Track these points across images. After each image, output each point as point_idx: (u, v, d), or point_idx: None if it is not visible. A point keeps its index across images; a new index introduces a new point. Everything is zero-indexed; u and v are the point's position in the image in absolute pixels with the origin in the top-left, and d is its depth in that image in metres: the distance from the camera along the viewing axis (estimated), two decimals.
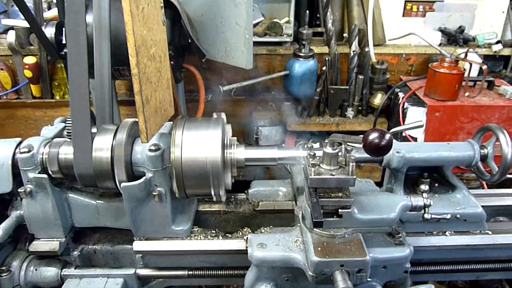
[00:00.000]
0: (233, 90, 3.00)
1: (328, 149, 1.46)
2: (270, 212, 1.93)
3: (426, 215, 1.55)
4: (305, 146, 1.61)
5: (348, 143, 1.46)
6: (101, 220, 1.77)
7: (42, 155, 1.63)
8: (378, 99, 3.27)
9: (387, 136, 1.30)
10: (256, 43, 3.01)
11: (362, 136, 1.39)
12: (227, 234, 1.81)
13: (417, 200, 1.55)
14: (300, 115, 3.30)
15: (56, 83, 3.17)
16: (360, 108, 3.35)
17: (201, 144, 1.61)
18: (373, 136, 1.30)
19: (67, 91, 3.17)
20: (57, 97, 3.20)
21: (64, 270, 1.76)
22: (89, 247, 1.85)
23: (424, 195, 1.55)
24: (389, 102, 3.29)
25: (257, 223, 1.93)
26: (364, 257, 1.39)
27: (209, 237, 1.77)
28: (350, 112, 3.34)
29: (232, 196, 2.00)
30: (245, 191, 1.98)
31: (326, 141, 1.46)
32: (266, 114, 3.32)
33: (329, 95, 3.25)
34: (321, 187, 1.47)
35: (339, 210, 1.47)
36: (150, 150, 1.58)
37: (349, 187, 1.48)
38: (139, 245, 1.73)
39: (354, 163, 1.43)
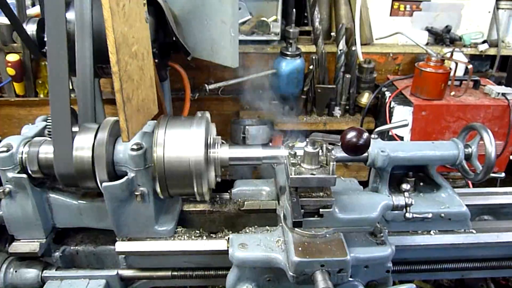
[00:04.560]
0: (220, 89, 2.99)
1: (309, 148, 1.45)
2: (255, 211, 1.92)
3: (407, 214, 1.54)
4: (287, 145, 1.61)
5: (328, 142, 1.45)
6: (83, 221, 1.75)
7: (22, 154, 1.60)
8: (365, 98, 3.28)
9: (365, 135, 1.29)
10: (243, 42, 3.01)
11: None
12: (211, 234, 1.80)
13: (399, 199, 1.55)
14: (287, 114, 3.30)
15: (40, 81, 3.14)
16: (347, 107, 3.36)
17: (184, 143, 1.59)
18: (351, 135, 1.29)
19: None
20: (41, 96, 3.16)
21: (44, 271, 1.73)
22: (71, 248, 1.82)
23: (406, 194, 1.55)
24: (376, 101, 3.30)
25: (242, 223, 1.91)
26: (344, 257, 1.39)
27: (193, 237, 1.76)
28: (337, 111, 3.35)
29: (217, 196, 1.98)
30: (228, 191, 1.96)
31: (307, 140, 1.45)
32: (253, 113, 3.31)
33: (316, 94, 3.25)
34: (302, 186, 1.46)
35: (320, 210, 1.46)
36: (132, 149, 1.55)
37: (330, 186, 1.47)
38: (121, 246, 1.70)
39: (335, 163, 1.42)
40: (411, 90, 3.06)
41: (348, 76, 3.20)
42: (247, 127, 3.21)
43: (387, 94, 3.15)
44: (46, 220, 1.70)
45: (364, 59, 3.29)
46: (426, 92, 2.94)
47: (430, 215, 1.63)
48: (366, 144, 1.30)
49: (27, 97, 3.15)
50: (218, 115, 3.36)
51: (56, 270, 1.75)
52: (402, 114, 2.96)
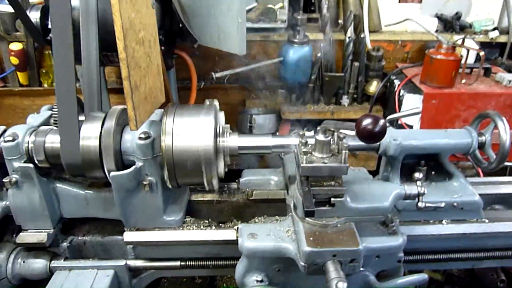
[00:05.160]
0: (226, 77, 2.95)
1: (320, 137, 1.42)
2: (264, 201, 1.90)
3: (420, 204, 1.51)
4: (298, 133, 1.57)
5: (341, 130, 1.42)
6: (91, 211, 1.73)
7: (28, 143, 1.58)
8: (374, 87, 3.23)
9: (381, 122, 1.25)
10: (250, 29, 2.96)
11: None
12: (220, 224, 1.78)
13: (411, 189, 1.51)
14: (294, 103, 3.26)
15: (44, 71, 3.11)
16: (355, 95, 3.32)
17: (192, 131, 1.56)
18: (366, 122, 1.26)
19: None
20: (45, 85, 3.14)
21: (53, 262, 1.72)
22: (79, 238, 1.80)
23: (418, 183, 1.52)
24: (384, 90, 3.26)
25: (251, 213, 1.89)
26: (356, 246, 1.36)
27: (201, 227, 1.74)
28: (345, 100, 3.31)
29: (225, 185, 1.96)
30: (236, 180, 1.94)
31: (318, 128, 1.42)
32: (260, 101, 3.27)
33: (324, 83, 3.21)
34: (313, 175, 1.42)
35: (332, 199, 1.43)
36: (140, 138, 1.53)
37: (341, 175, 1.44)
38: (129, 236, 1.69)
39: (347, 151, 1.39)
40: (420, 78, 3.01)
41: (356, 64, 3.15)
42: (253, 116, 3.17)
43: (396, 82, 3.11)
44: (53, 210, 1.69)
45: (373, 46, 3.24)
46: (437, 80, 2.89)
47: (442, 205, 1.60)
48: (382, 131, 1.27)
49: (31, 86, 3.12)
50: (224, 104, 3.30)
51: (64, 260, 1.74)
52: (412, 102, 2.92)
